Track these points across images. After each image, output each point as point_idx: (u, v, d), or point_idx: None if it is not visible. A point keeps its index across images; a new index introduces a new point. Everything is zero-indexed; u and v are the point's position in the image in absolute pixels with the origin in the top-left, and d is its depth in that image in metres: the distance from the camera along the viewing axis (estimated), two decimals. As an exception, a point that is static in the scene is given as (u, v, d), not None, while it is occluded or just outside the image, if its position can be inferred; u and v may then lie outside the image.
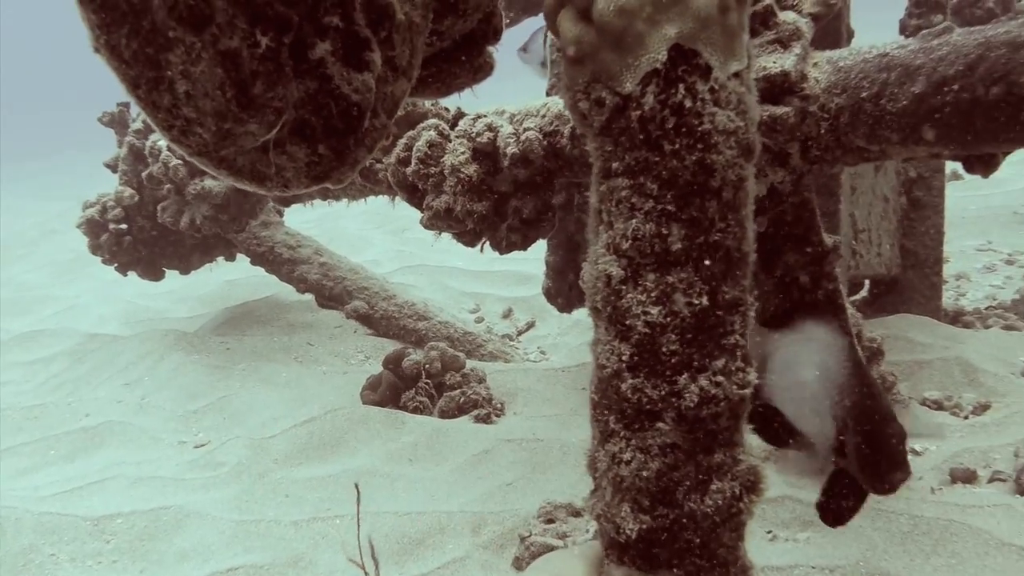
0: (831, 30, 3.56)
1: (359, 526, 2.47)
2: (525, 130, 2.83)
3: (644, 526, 1.26)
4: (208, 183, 4.50)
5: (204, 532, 2.98)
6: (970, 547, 2.50)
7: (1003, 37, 1.98)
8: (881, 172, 4.27)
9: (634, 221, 1.21)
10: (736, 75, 1.21)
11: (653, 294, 1.21)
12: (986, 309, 4.81)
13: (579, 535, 2.55)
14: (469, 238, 3.02)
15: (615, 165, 1.23)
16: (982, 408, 3.45)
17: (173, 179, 4.55)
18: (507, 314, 5.67)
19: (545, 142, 2.81)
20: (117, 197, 4.97)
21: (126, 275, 5.31)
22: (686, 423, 1.23)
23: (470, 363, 4.20)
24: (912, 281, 4.48)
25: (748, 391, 1.26)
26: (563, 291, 3.96)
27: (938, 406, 3.51)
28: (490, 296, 5.98)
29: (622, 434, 1.28)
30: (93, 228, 5.04)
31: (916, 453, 3.16)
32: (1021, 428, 3.20)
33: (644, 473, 1.25)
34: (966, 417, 3.42)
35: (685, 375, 1.22)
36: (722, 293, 1.22)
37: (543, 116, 2.88)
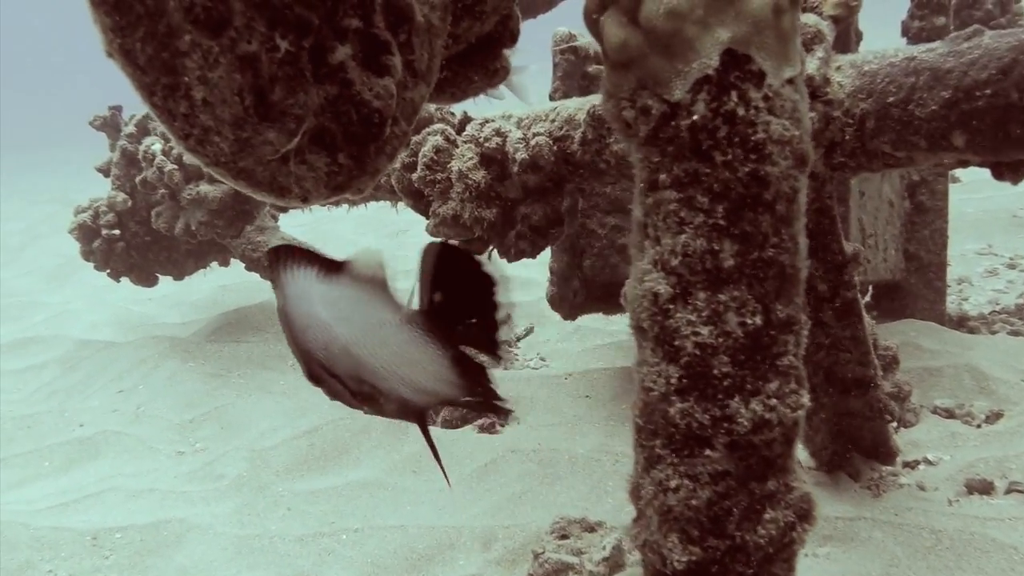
0: (839, 32, 3.50)
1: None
2: (535, 135, 2.76)
3: (693, 558, 1.20)
4: (204, 188, 4.42)
5: (205, 547, 2.90)
6: (995, 562, 2.44)
7: (1037, 40, 1.92)
8: (886, 176, 4.22)
9: (683, 236, 1.15)
10: (790, 81, 1.15)
11: (704, 313, 1.15)
12: (990, 314, 4.76)
13: (594, 551, 2.49)
14: (477, 246, 2.96)
15: (663, 177, 1.16)
16: (995, 416, 3.40)
17: (168, 184, 4.47)
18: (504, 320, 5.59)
19: (555, 147, 2.75)
20: (110, 202, 4.89)
21: (119, 281, 5.23)
22: (738, 449, 1.17)
23: (471, 371, 4.13)
24: (916, 286, 4.43)
25: (801, 414, 1.19)
26: (568, 298, 3.88)
27: (949, 414, 3.45)
28: (488, 301, 5.90)
29: (669, 460, 1.21)
30: (85, 234, 4.96)
31: (930, 463, 3.11)
32: (1036, 437, 3.15)
33: (693, 502, 1.19)
34: (979, 426, 3.36)
35: (737, 399, 1.16)
36: (776, 312, 1.16)
37: (553, 121, 2.82)
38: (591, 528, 2.61)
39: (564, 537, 2.58)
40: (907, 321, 4.22)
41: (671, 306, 1.17)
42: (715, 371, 1.16)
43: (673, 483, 1.20)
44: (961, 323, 4.55)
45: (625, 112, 1.17)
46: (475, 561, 2.67)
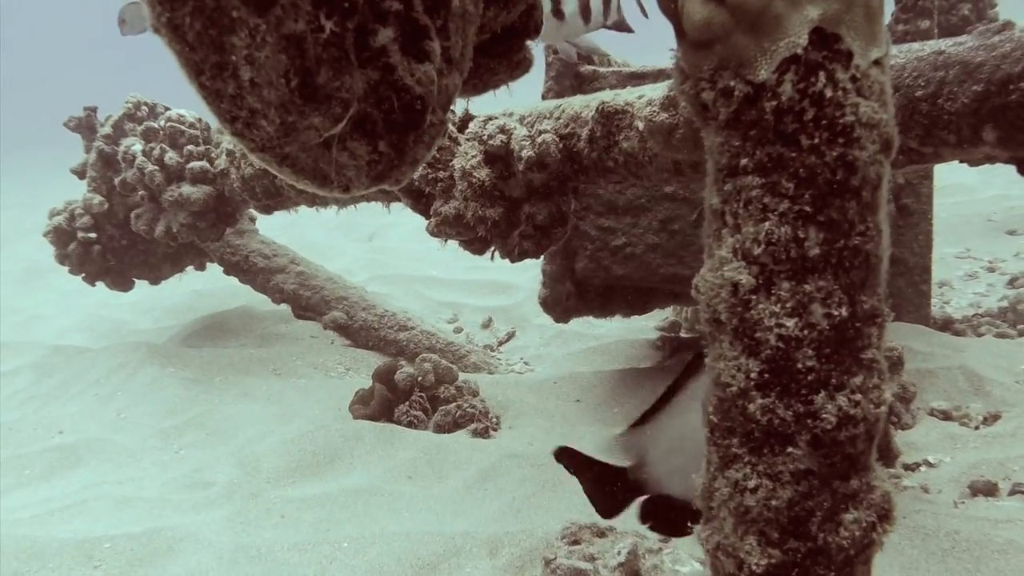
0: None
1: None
2: (540, 132, 2.71)
3: (773, 560, 1.14)
4: (186, 189, 4.32)
5: (200, 557, 2.81)
6: (1013, 564, 2.41)
7: (1071, 33, 1.90)
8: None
9: (767, 224, 1.09)
10: (877, 62, 1.10)
11: (788, 304, 1.10)
12: (974, 317, 4.77)
13: (608, 557, 2.43)
14: (478, 246, 2.89)
15: (744, 162, 1.11)
16: (992, 418, 3.38)
17: (148, 185, 4.37)
18: (487, 324, 5.54)
19: (561, 145, 2.70)
20: (86, 204, 4.77)
21: (94, 285, 5.11)
22: (823, 447, 1.12)
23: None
24: (901, 289, 4.42)
25: (884, 410, 1.14)
26: (560, 300, 3.83)
27: (946, 416, 3.43)
28: (468, 306, 5.84)
29: (747, 459, 1.15)
30: (60, 237, 4.83)
31: (931, 465, 3.08)
32: (1036, 439, 3.13)
33: (774, 502, 1.13)
34: (977, 428, 3.34)
35: (822, 394, 1.11)
36: (861, 303, 1.11)
37: (558, 118, 2.76)
38: (602, 533, 2.55)
39: (575, 543, 2.52)
40: (894, 324, 4.21)
41: (752, 297, 1.12)
42: (799, 365, 1.11)
43: (752, 483, 1.15)
44: (946, 326, 4.55)
45: (704, 94, 1.12)
46: (483, 568, 2.60)
